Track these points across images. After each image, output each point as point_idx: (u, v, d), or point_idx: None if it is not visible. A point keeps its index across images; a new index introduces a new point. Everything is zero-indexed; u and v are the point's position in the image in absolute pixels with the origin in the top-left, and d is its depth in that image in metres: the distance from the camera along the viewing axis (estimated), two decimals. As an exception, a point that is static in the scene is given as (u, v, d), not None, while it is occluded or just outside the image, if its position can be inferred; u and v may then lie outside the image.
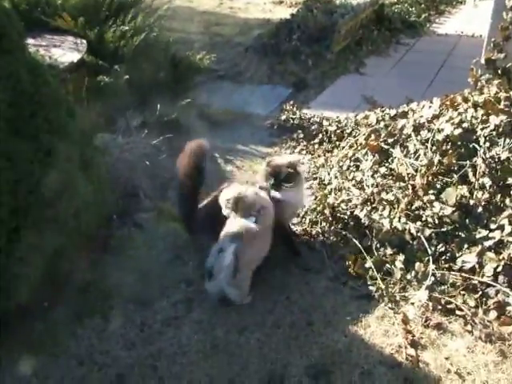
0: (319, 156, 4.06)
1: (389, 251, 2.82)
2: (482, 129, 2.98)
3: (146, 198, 3.70)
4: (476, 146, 2.93)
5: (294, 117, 4.56)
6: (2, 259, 2.33)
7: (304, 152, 4.19)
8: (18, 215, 2.40)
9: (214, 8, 8.25)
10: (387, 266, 2.77)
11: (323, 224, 3.18)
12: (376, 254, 2.82)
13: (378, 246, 2.86)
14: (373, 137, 3.53)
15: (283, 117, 4.60)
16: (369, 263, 2.78)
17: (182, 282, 2.91)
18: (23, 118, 2.48)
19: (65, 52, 4.16)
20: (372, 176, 3.28)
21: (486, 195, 2.76)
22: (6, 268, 2.32)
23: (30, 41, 4.29)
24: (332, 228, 3.12)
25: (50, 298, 2.67)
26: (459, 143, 3.01)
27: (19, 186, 2.44)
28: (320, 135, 4.29)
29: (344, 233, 3.02)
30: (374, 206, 3.07)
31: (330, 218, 3.16)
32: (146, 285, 2.92)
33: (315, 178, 3.74)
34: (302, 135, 4.37)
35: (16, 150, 2.42)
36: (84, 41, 4.34)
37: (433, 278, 2.60)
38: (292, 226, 3.20)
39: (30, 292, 2.48)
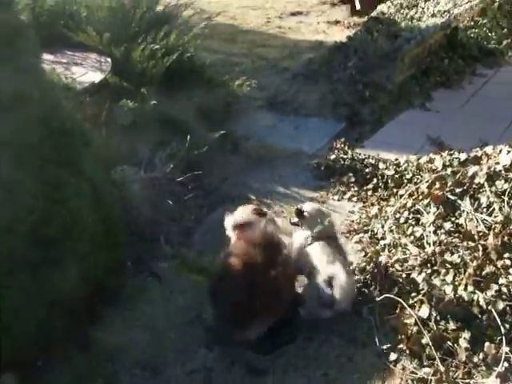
0: (372, 204, 4.00)
1: (451, 326, 2.73)
2: None
3: (167, 243, 3.72)
4: None
5: (345, 157, 4.54)
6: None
7: (355, 199, 4.15)
8: (13, 256, 2.43)
9: (260, 27, 8.40)
10: (449, 343, 2.68)
11: (373, 286, 3.10)
12: (435, 327, 2.73)
13: (439, 318, 2.78)
14: (437, 185, 3.47)
15: (332, 156, 4.57)
16: (426, 339, 2.69)
17: (202, 347, 2.88)
18: (29, 146, 2.53)
19: (86, 71, 4.30)
20: (434, 232, 3.22)
21: None
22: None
23: (49, 57, 4.47)
24: (383, 292, 3.04)
25: (46, 356, 2.67)
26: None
27: (18, 223, 2.47)
28: (375, 180, 4.24)
29: (397, 299, 2.93)
30: (435, 268, 2.99)
31: (382, 280, 3.08)
32: (159, 347, 2.90)
33: (366, 231, 3.68)
34: (353, 179, 4.33)
35: (17, 182, 2.47)
36: (109, 59, 4.47)
37: (506, 364, 2.49)
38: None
39: (22, 348, 2.49)
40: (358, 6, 8.48)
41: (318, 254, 2.97)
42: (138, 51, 4.44)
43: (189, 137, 4.21)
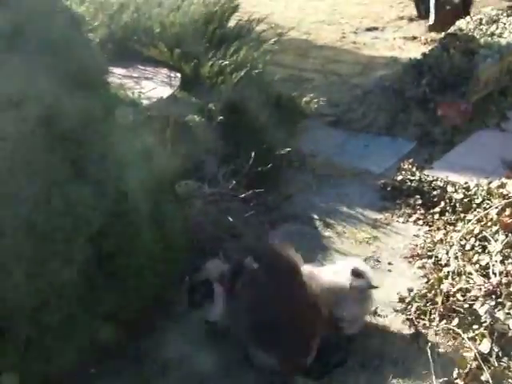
0: (438, 229, 3.89)
1: (514, 363, 2.61)
2: None
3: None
4: None
5: (412, 178, 4.44)
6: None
7: (420, 222, 4.05)
8: (71, 267, 2.51)
9: (335, 42, 8.35)
10: (510, 381, 2.54)
11: (433, 315, 3.02)
12: (496, 364, 2.62)
13: (501, 354, 2.67)
14: (508, 212, 3.35)
15: (399, 177, 4.48)
16: (486, 375, 2.59)
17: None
18: (90, 159, 2.61)
19: (156, 86, 4.39)
20: (501, 262, 3.12)
21: None
22: (49, 326, 2.41)
23: (121, 71, 4.60)
24: (443, 322, 2.95)
25: (98, 368, 2.73)
26: None
27: (77, 235, 2.55)
28: (442, 203, 4.12)
29: (457, 330, 2.83)
30: (499, 300, 2.89)
31: (442, 309, 3.00)
32: (212, 363, 2.92)
33: (430, 256, 3.58)
34: (420, 201, 4.23)
35: (77, 194, 2.55)
36: (178, 75, 4.56)
37: None
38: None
39: (75, 357, 2.56)
40: (431, 21, 8.27)
41: None
42: (207, 67, 4.51)
43: (253, 153, 4.23)
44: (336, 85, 6.68)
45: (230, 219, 3.85)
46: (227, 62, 4.59)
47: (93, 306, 2.69)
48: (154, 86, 4.38)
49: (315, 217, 4.24)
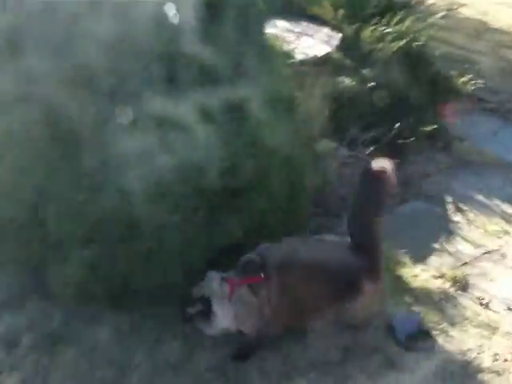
0: None
1: None
2: None
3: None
4: None
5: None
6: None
7: None
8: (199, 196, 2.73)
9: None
10: None
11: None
12: None
13: None
14: None
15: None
16: None
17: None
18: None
19: (315, 43, 4.46)
20: None
21: None
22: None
23: (284, 24, 4.74)
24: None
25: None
26: None
27: (210, 167, 2.76)
28: None
29: None
30: None
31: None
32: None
33: None
34: None
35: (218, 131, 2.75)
36: (339, 35, 4.59)
37: None
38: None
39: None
40: None
41: None
42: (368, 32, 4.49)
43: (398, 124, 4.20)
44: (504, 72, 6.34)
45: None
46: (390, 30, 4.54)
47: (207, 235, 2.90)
48: (312, 44, 4.45)
49: (448, 200, 4.16)
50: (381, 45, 4.49)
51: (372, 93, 4.38)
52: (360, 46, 4.56)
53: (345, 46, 4.53)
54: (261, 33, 3.05)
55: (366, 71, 4.42)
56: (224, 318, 2.71)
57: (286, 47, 3.47)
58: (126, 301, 3.04)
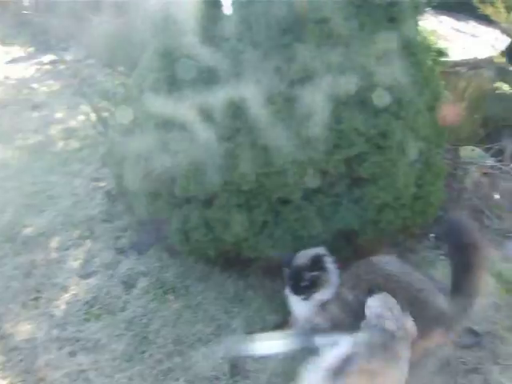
0: None
1: None
2: None
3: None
4: None
5: None
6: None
7: None
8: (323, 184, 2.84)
9: None
10: None
11: None
12: None
13: None
14: None
15: None
16: None
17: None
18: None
19: (478, 45, 4.30)
20: None
21: None
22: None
23: (451, 22, 4.62)
24: None
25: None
26: None
27: (338, 154, 2.81)
28: None
29: None
30: None
31: None
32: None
33: None
34: None
35: (351, 118, 2.77)
36: (508, 39, 4.37)
37: None
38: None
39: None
40: None
41: None
42: (540, 38, 4.23)
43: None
44: None
45: (496, 197, 3.72)
46: None
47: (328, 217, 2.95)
48: (476, 44, 4.29)
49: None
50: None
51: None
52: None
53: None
54: (411, 26, 3.00)
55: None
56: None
57: (440, 45, 3.36)
58: (237, 267, 3.20)
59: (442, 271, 3.29)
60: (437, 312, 2.50)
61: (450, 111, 3.39)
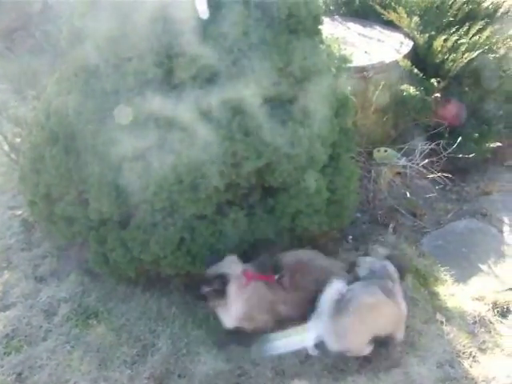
0: None
1: None
2: None
3: (395, 233, 3.82)
4: None
5: None
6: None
7: None
8: (235, 193, 2.89)
9: None
10: None
11: None
12: None
13: None
14: None
15: None
16: None
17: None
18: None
19: (384, 49, 4.46)
20: None
21: None
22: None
23: (357, 28, 4.78)
24: None
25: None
26: None
27: (244, 164, 2.86)
28: None
29: None
30: None
31: None
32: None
33: None
34: None
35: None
36: (411, 43, 4.55)
37: None
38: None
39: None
40: None
41: None
42: (440, 41, 4.41)
43: (460, 139, 4.12)
44: None
45: (409, 195, 3.87)
46: (463, 40, 4.44)
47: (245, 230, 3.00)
48: (381, 49, 4.45)
49: (506, 221, 4.05)
50: (453, 55, 4.40)
51: (437, 104, 4.31)
52: (431, 56, 4.48)
53: (415, 55, 4.48)
54: (314, 34, 3.09)
55: (434, 81, 4.35)
56: (236, 302, 2.82)
57: (345, 51, 3.47)
58: (158, 285, 3.21)
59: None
60: None
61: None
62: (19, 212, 3.97)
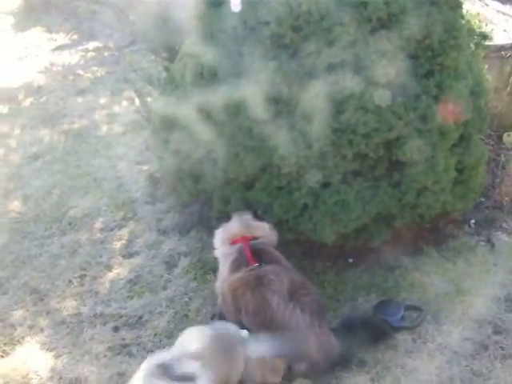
0: None
1: None
2: None
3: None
4: None
5: None
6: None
7: None
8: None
9: None
10: None
11: None
12: None
13: None
14: None
15: None
16: None
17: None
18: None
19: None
20: None
21: None
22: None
23: (496, 5, 4.61)
24: None
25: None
26: None
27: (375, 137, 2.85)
28: None
29: None
30: None
31: None
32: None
33: None
34: None
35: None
36: None
37: None
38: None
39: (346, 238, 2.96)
40: None
41: None
42: None
43: None
44: None
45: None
46: None
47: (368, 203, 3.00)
48: (517, 31, 4.26)
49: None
50: None
51: None
52: None
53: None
54: (456, 7, 3.01)
55: None
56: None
57: (485, 28, 3.36)
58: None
59: (482, 257, 3.34)
60: None
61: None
62: (146, 167, 4.17)
